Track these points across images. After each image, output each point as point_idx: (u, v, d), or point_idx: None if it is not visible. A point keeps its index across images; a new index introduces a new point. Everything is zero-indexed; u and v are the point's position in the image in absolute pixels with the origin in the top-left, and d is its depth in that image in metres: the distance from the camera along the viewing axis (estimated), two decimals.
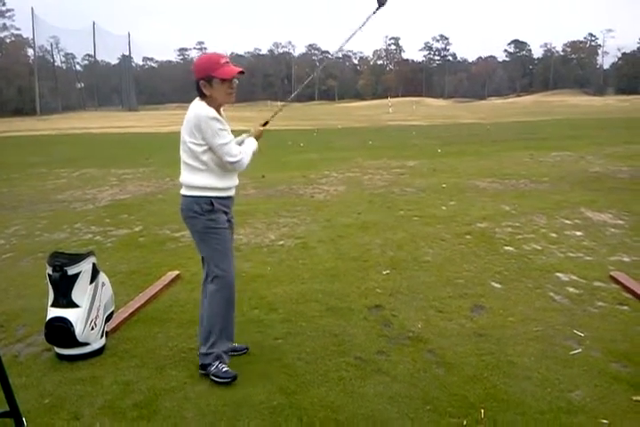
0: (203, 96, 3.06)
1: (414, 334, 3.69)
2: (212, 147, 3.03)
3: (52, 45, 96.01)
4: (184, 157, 3.12)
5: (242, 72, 3.06)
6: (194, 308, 4.27)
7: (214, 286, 3.18)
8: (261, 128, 3.45)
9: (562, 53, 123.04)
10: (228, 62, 3.07)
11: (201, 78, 3.02)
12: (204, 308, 3.27)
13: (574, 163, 12.22)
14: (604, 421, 2.67)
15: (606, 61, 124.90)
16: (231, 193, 3.27)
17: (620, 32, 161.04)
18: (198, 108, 3.02)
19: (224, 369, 3.16)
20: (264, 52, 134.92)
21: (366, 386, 3.05)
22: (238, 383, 3.11)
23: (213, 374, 3.15)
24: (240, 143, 3.27)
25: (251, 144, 3.31)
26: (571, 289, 4.50)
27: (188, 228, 3.26)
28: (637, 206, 7.47)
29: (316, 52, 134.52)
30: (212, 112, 2.99)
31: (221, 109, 3.16)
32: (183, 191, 3.17)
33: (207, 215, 3.11)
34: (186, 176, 3.15)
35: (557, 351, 3.41)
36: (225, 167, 3.12)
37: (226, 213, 3.23)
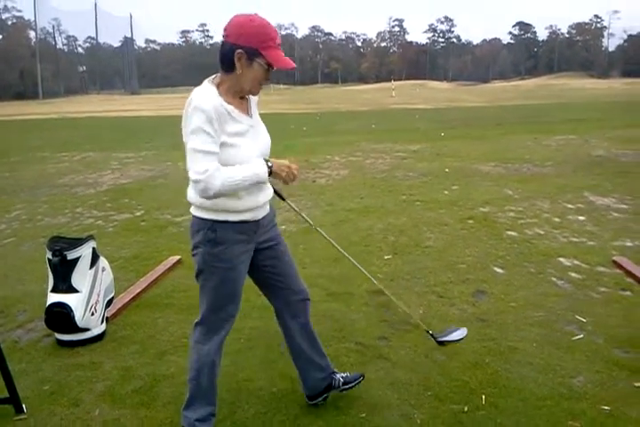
0: (227, 71, 2.20)
1: (415, 320, 3.67)
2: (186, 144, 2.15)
3: (53, 28, 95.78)
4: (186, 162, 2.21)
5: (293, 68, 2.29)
6: (195, 293, 4.25)
7: (194, 336, 2.48)
8: (287, 162, 2.33)
9: (567, 36, 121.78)
10: (280, 46, 2.24)
11: (241, 47, 2.13)
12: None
13: (578, 146, 12.13)
14: (606, 407, 2.66)
15: (612, 43, 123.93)
16: (256, 215, 2.33)
17: (626, 13, 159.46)
18: (197, 92, 2.18)
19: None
20: None
21: (367, 372, 3.03)
22: (239, 369, 3.11)
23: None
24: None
25: (248, 169, 2.17)
26: (573, 274, 4.47)
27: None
28: None
29: (320, 33, 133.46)
30: (209, 102, 2.11)
31: (250, 99, 2.35)
32: (191, 208, 2.36)
33: (206, 247, 2.27)
34: (190, 189, 2.29)
35: (559, 337, 3.39)
36: None
37: (247, 241, 2.35)
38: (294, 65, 2.26)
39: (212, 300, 2.41)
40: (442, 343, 3.01)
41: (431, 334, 3.02)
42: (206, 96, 2.14)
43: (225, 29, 2.18)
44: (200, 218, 2.27)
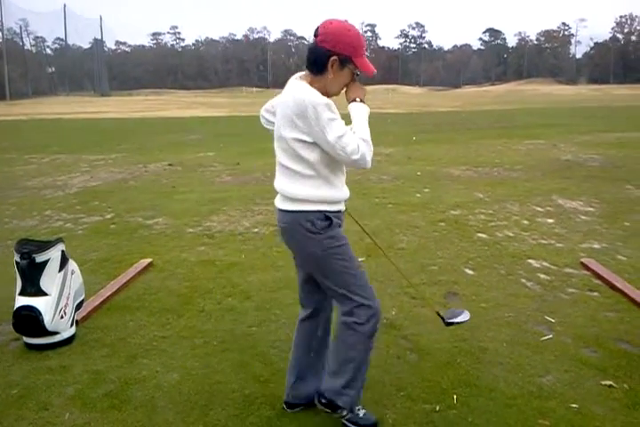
0: (316, 73, 2.34)
1: (388, 321, 3.69)
2: (321, 144, 2.27)
3: (21, 28, 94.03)
4: (283, 158, 2.38)
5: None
6: (166, 296, 4.24)
7: (354, 319, 2.44)
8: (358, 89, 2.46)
9: (536, 42, 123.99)
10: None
11: (337, 53, 2.28)
12: (330, 350, 2.65)
13: (547, 151, 12.35)
14: (574, 405, 2.71)
15: (579, 51, 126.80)
16: (343, 206, 2.53)
17: (592, 22, 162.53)
18: (301, 90, 2.28)
19: (363, 413, 2.61)
20: (239, 37, 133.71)
21: None
22: (211, 372, 3.09)
23: (348, 420, 2.58)
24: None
25: (360, 117, 2.38)
26: (542, 276, 4.54)
27: (297, 253, 2.57)
28: (607, 194, 7.59)
29: (292, 37, 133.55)
30: (320, 96, 2.24)
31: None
32: (284, 205, 2.44)
33: (325, 232, 2.39)
34: (288, 185, 2.41)
35: (529, 337, 3.44)
36: (337, 168, 2.42)
37: (341, 227, 2.51)
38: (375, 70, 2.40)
39: (355, 276, 2.46)
40: (450, 324, 2.96)
41: (440, 316, 2.96)
42: (314, 92, 2.26)
43: (321, 34, 2.31)
44: (308, 211, 2.37)
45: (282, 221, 2.47)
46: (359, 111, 2.39)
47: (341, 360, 2.53)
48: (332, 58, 2.28)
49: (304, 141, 2.29)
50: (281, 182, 2.44)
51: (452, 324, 2.86)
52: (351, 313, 2.45)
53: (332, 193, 2.41)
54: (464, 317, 2.90)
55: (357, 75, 2.39)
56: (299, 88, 2.30)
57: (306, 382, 2.70)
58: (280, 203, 2.47)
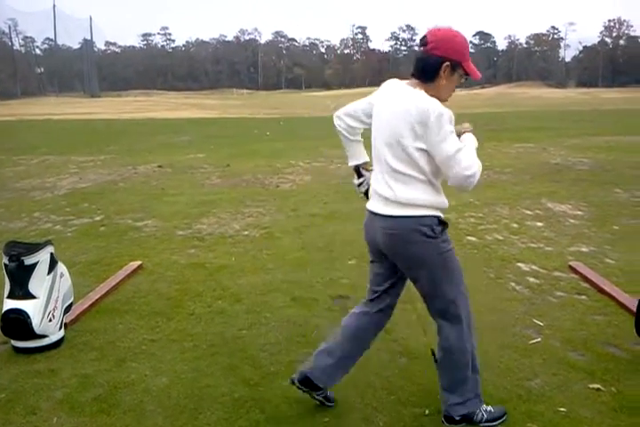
0: (427, 81, 2.39)
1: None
2: (436, 154, 2.31)
3: (9, 28, 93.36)
4: (396, 163, 2.40)
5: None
6: (156, 299, 4.22)
7: (450, 339, 2.61)
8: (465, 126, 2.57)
9: (525, 46, 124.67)
10: None
11: (450, 59, 2.35)
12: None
13: (536, 154, 12.41)
14: (562, 409, 2.72)
15: (568, 54, 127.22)
16: None
17: (581, 25, 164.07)
18: (423, 99, 2.32)
19: (489, 409, 2.63)
20: (230, 38, 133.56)
21: None
22: (200, 375, 3.08)
23: (487, 421, 2.59)
24: None
25: (472, 145, 2.44)
26: (531, 279, 4.57)
27: (406, 258, 2.54)
28: (596, 198, 7.64)
29: (283, 39, 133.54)
30: (443, 106, 2.30)
31: None
32: (392, 211, 2.45)
33: (441, 236, 2.46)
34: (403, 191, 2.42)
35: (517, 341, 3.46)
36: (442, 177, 2.43)
37: None
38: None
39: (458, 282, 2.60)
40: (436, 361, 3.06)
41: (433, 353, 3.06)
42: (437, 102, 2.31)
43: (430, 42, 2.37)
44: (422, 216, 2.42)
45: (389, 228, 2.48)
46: (471, 141, 2.47)
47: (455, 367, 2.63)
48: (444, 64, 2.35)
49: (423, 150, 2.33)
50: (393, 188, 2.44)
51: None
52: (451, 330, 2.60)
53: (443, 199, 2.48)
54: None
55: (465, 79, 2.47)
56: (420, 96, 2.34)
57: (338, 370, 2.73)
58: (384, 208, 2.49)
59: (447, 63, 2.34)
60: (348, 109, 2.70)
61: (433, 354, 2.85)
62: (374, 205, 2.57)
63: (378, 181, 2.53)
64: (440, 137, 2.27)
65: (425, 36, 2.40)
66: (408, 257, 2.53)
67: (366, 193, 2.82)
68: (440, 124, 2.26)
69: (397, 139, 2.36)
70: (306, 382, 2.67)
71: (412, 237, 2.43)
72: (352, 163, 2.82)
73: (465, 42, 2.44)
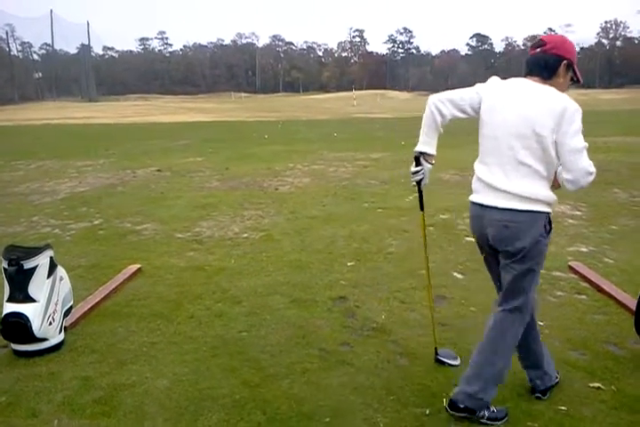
0: (547, 78, 2.52)
1: (378, 325, 3.71)
2: (566, 145, 2.38)
3: (7, 33, 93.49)
4: (524, 155, 2.46)
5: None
6: (155, 302, 4.23)
7: (518, 316, 2.67)
8: None
9: (522, 47, 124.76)
10: None
11: (566, 58, 2.52)
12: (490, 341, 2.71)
13: None
14: (562, 407, 2.73)
15: None
16: None
17: (578, 27, 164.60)
18: (558, 95, 2.46)
19: (492, 409, 2.64)
20: (227, 42, 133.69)
21: (330, 377, 3.05)
22: (201, 377, 3.08)
23: (488, 419, 2.62)
24: None
25: None
26: None
27: (519, 251, 2.54)
28: (594, 198, 7.65)
29: (280, 43, 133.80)
30: (576, 103, 2.42)
31: None
32: (515, 204, 2.49)
33: (548, 237, 2.55)
34: (527, 185, 2.48)
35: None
36: (551, 177, 2.52)
37: None
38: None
39: (536, 282, 2.68)
40: (437, 360, 3.17)
41: (436, 351, 3.18)
42: (570, 99, 2.43)
43: (548, 43, 2.54)
44: (540, 212, 2.50)
45: (508, 220, 2.51)
46: None
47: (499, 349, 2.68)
48: (563, 62, 2.51)
49: (555, 143, 2.41)
50: (514, 181, 2.49)
51: (440, 362, 3.12)
52: (509, 316, 2.66)
53: (552, 195, 2.54)
54: (454, 361, 3.15)
55: (572, 83, 2.62)
56: (555, 91, 2.47)
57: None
58: (501, 201, 2.53)
59: (565, 62, 2.51)
60: (453, 97, 2.70)
61: (436, 353, 2.86)
62: (485, 197, 2.62)
63: (493, 174, 2.57)
64: (573, 132, 2.38)
65: (541, 39, 2.59)
66: (519, 250, 2.53)
67: (419, 183, 2.92)
68: (574, 120, 2.38)
69: (534, 129, 2.41)
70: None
71: (531, 231, 2.49)
72: (422, 148, 2.80)
73: (573, 46, 2.61)
